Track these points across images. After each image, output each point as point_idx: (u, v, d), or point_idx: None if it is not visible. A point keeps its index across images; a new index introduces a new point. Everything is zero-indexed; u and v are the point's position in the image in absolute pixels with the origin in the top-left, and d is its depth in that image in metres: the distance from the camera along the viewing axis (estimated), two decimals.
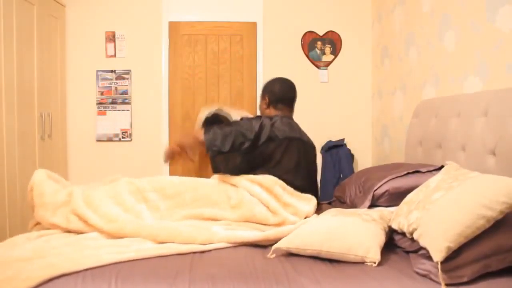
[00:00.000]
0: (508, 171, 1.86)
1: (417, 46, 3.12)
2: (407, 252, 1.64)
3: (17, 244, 1.67)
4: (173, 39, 4.10)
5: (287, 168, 2.20)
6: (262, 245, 1.79)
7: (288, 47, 4.13)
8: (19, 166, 3.09)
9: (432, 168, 2.17)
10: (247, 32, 4.13)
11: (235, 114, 3.35)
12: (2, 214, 2.90)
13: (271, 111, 2.45)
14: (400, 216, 1.67)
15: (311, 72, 4.14)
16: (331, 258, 1.57)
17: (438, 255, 1.36)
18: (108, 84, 4.05)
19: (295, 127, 2.33)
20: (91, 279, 1.40)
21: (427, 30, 2.95)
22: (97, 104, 4.05)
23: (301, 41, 4.13)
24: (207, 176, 2.26)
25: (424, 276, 1.42)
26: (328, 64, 4.16)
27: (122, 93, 4.05)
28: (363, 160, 4.16)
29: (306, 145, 2.34)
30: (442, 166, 2.15)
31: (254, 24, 4.12)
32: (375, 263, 1.52)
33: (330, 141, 3.94)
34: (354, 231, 1.60)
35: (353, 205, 2.27)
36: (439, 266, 1.35)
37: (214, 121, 3.36)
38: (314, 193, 2.31)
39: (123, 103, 4.05)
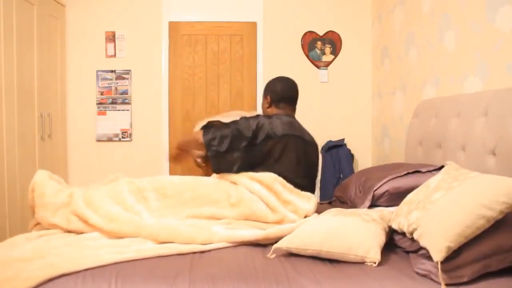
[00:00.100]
0: (508, 171, 1.86)
1: (417, 46, 3.12)
2: (407, 252, 1.64)
3: (17, 244, 1.67)
4: (173, 39, 4.10)
5: (287, 166, 2.20)
6: (262, 244, 1.79)
7: (288, 47, 4.13)
8: (19, 166, 3.09)
9: (432, 168, 2.17)
10: (247, 32, 4.13)
11: (232, 119, 3.36)
12: (2, 214, 2.90)
13: (273, 110, 2.45)
14: (400, 216, 1.67)
15: (311, 72, 4.14)
16: (331, 258, 1.57)
17: (438, 255, 1.36)
18: (108, 84, 4.05)
19: (295, 125, 2.34)
20: (91, 279, 1.40)
21: (427, 30, 2.95)
22: (97, 104, 4.05)
23: (301, 41, 4.13)
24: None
25: (424, 276, 1.42)
26: (328, 64, 4.16)
27: (122, 93, 4.06)
28: (363, 160, 4.16)
29: (307, 144, 2.34)
30: (442, 166, 2.15)
31: (254, 24, 4.12)
32: (375, 263, 1.52)
33: (330, 141, 3.94)
34: (354, 231, 1.60)
35: (353, 205, 2.27)
36: (439, 266, 1.35)
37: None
38: (312, 192, 2.31)
39: (123, 103, 4.06)
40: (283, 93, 2.44)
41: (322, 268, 1.51)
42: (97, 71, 4.04)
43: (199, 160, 2.45)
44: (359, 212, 1.79)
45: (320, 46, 4.14)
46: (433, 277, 1.38)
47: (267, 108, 2.49)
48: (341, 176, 3.74)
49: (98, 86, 4.05)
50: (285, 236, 1.75)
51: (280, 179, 2.11)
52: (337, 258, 1.57)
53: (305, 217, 2.03)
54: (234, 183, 2.10)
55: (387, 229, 1.71)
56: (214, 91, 4.14)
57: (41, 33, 3.45)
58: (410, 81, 3.25)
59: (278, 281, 1.39)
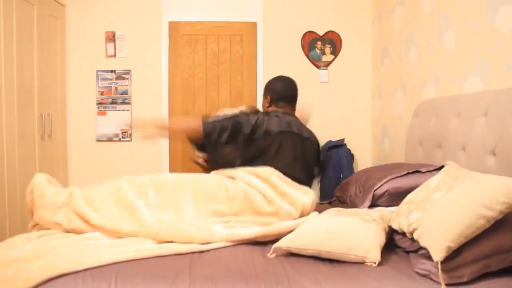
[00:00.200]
0: (508, 171, 1.86)
1: (417, 46, 3.12)
2: (407, 252, 1.64)
3: (17, 244, 1.68)
4: (173, 39, 4.10)
5: (283, 162, 2.22)
6: (262, 244, 1.80)
7: (288, 47, 4.13)
8: (19, 166, 3.09)
9: (432, 168, 2.17)
10: (247, 32, 4.13)
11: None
12: (2, 214, 2.90)
13: (273, 109, 2.46)
14: (400, 216, 1.67)
15: (311, 72, 4.14)
16: (331, 258, 1.57)
17: (438, 255, 1.36)
18: (108, 84, 4.05)
19: (294, 122, 2.35)
20: (91, 279, 1.40)
21: (427, 30, 2.95)
22: (97, 104, 4.04)
23: (301, 41, 4.13)
24: None
25: (424, 276, 1.42)
26: (328, 64, 4.16)
27: (122, 93, 4.05)
28: (363, 160, 4.16)
29: (306, 140, 2.35)
30: (442, 166, 2.15)
31: (254, 24, 4.12)
32: (375, 263, 1.52)
33: (330, 141, 3.94)
34: (354, 231, 1.60)
35: (353, 205, 2.27)
36: (439, 266, 1.35)
37: None
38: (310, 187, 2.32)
39: (123, 103, 4.05)
40: (283, 92, 2.45)
41: (322, 268, 1.51)
42: (97, 71, 4.04)
43: (199, 160, 2.46)
44: (359, 212, 1.79)
45: (320, 46, 4.14)
46: (433, 277, 1.38)
47: (267, 107, 2.51)
48: (341, 176, 3.73)
49: (98, 86, 4.05)
50: (284, 233, 1.76)
51: (277, 172, 2.13)
52: (337, 258, 1.57)
53: (303, 210, 2.04)
54: (232, 177, 2.12)
55: (387, 229, 1.71)
56: (214, 91, 4.14)
57: (41, 33, 3.45)
58: (410, 81, 3.25)
59: (278, 281, 1.39)
